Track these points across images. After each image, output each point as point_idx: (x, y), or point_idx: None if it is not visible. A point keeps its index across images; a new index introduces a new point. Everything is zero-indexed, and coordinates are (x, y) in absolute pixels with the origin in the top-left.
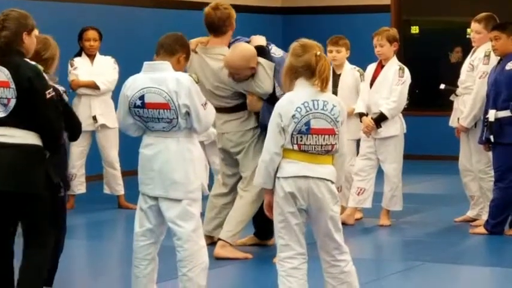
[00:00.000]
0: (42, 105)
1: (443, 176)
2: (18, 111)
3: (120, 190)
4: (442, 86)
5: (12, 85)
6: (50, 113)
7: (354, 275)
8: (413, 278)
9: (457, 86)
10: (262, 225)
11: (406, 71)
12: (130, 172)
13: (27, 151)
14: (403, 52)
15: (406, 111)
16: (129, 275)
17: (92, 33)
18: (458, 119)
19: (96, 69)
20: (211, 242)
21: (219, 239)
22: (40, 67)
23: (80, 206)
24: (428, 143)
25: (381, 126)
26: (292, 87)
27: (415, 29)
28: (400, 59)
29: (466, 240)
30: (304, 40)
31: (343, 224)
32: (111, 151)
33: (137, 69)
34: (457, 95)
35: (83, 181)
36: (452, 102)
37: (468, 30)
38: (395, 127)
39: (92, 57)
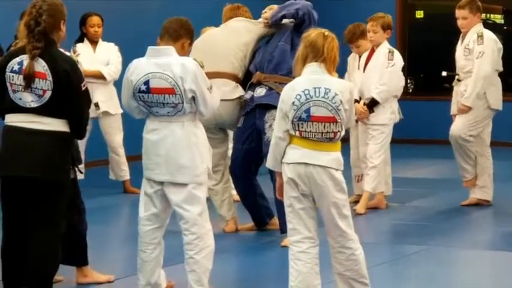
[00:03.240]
0: (77, 97)
1: (449, 160)
2: (52, 102)
3: (125, 175)
4: (444, 73)
5: (49, 77)
6: (83, 104)
7: (362, 262)
8: (418, 262)
9: (456, 73)
10: (256, 216)
11: (396, 53)
12: (135, 157)
13: (58, 138)
14: (408, 37)
15: (412, 96)
16: (135, 258)
17: (96, 19)
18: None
19: (99, 56)
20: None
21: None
22: (75, 58)
23: (85, 191)
24: (434, 128)
25: (373, 111)
26: (301, 73)
27: (419, 14)
28: (404, 44)
29: (471, 224)
30: (314, 28)
31: (377, 209)
32: (115, 137)
33: (140, 54)
34: (459, 81)
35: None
36: (451, 90)
37: None
38: (385, 116)
39: (94, 43)
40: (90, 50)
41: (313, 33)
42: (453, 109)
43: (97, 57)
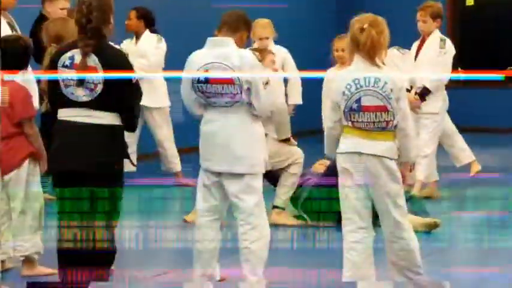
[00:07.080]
0: (128, 90)
1: (496, 148)
2: (103, 95)
3: (174, 167)
4: None
5: (101, 71)
6: (134, 97)
7: (415, 253)
8: (477, 251)
9: None
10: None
11: (448, 42)
12: (187, 149)
13: (110, 131)
14: (458, 26)
15: (462, 85)
16: (187, 250)
17: (130, 13)
18: None
19: (140, 49)
20: None
21: (275, 207)
22: (125, 51)
23: (137, 183)
24: (482, 116)
25: (425, 100)
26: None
27: (470, 1)
28: (454, 33)
29: None
30: (362, 14)
31: (429, 198)
32: (159, 130)
33: (195, 47)
34: None
35: (134, 158)
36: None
37: None
38: (437, 105)
39: (138, 36)
40: (133, 43)
41: (355, 25)
42: None
43: (138, 50)
